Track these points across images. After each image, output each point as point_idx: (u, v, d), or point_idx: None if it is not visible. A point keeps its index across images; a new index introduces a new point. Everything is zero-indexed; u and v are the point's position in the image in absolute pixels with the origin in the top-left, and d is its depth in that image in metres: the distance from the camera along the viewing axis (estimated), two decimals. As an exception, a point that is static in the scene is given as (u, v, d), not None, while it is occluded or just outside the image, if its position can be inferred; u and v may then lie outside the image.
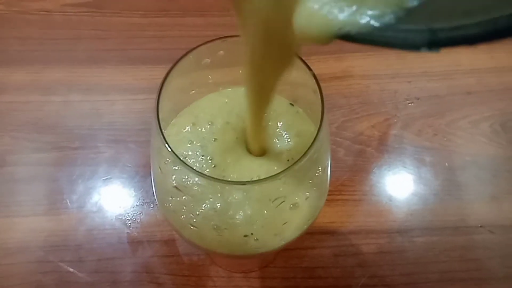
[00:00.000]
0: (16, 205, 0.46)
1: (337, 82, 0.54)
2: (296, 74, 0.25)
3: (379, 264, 0.44)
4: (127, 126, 0.51)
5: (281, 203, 0.24)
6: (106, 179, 0.48)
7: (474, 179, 0.49)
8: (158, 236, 0.45)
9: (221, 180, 0.22)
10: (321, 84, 0.25)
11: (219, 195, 0.24)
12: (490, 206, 0.47)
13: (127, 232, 0.45)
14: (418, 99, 0.53)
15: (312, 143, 0.23)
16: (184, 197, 0.26)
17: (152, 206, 0.46)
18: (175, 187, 0.25)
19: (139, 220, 0.46)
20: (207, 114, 0.31)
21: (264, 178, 0.22)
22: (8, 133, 0.50)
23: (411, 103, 0.53)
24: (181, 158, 0.23)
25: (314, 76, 0.24)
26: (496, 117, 0.52)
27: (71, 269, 0.43)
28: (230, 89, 0.33)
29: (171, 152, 0.22)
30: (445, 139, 0.51)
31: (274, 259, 0.44)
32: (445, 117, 0.52)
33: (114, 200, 0.47)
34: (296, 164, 0.22)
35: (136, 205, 0.46)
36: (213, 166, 0.28)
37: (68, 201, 0.46)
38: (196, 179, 0.23)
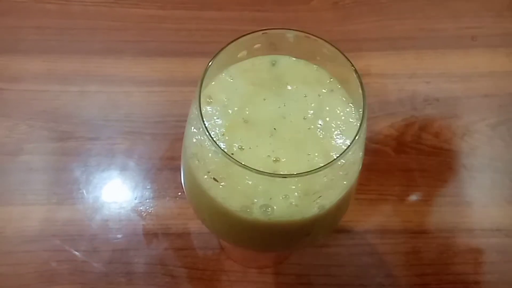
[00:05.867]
0: (32, 193, 0.46)
1: (355, 80, 0.54)
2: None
3: (394, 264, 0.44)
4: (143, 118, 0.51)
5: (318, 197, 0.24)
6: (122, 170, 0.48)
7: (491, 182, 0.49)
8: (173, 229, 0.45)
9: (261, 171, 0.22)
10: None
11: (254, 184, 0.24)
12: (506, 209, 0.47)
13: (142, 224, 0.45)
14: (437, 100, 0.53)
15: (354, 138, 0.23)
16: (220, 186, 0.25)
17: (167, 198, 0.46)
18: (213, 178, 0.25)
19: (154, 212, 0.46)
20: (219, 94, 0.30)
21: (305, 172, 0.22)
22: (25, 122, 0.50)
23: (429, 104, 0.53)
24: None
25: (356, 71, 0.24)
26: (514, 121, 0.52)
27: (86, 259, 0.43)
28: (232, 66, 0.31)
29: (211, 140, 0.22)
30: (463, 141, 0.51)
31: (289, 255, 0.44)
32: (463, 119, 0.52)
33: (129, 191, 0.47)
34: (338, 159, 0.23)
35: (152, 197, 0.46)
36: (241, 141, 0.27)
37: (84, 191, 0.46)
38: (238, 170, 0.23)
